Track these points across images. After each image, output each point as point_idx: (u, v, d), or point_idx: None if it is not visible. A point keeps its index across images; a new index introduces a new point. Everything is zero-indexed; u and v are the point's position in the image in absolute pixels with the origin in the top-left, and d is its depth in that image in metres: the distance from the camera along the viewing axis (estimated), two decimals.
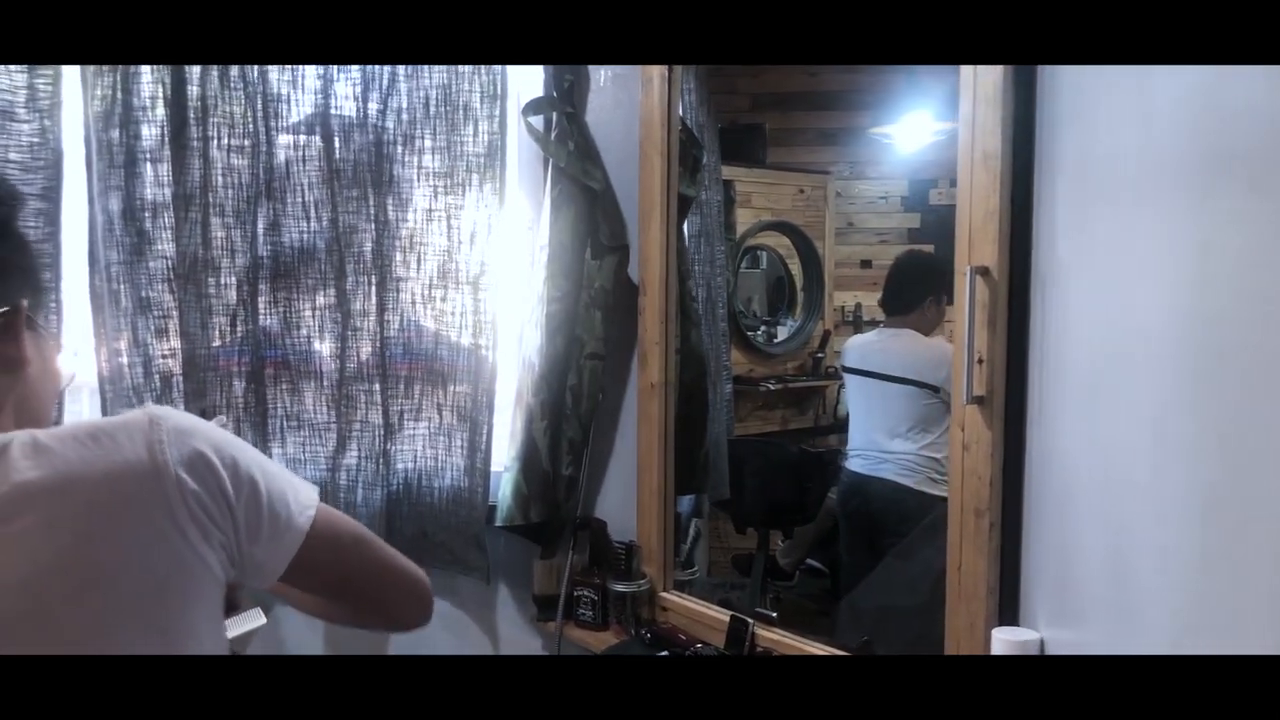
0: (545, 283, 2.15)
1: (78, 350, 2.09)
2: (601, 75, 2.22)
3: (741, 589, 2.89)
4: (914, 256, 3.04)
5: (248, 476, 0.93)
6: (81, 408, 2.27)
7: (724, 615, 1.98)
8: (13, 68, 2.18)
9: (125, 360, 2.18)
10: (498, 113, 2.17)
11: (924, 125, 3.33)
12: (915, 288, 2.63)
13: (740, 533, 2.98)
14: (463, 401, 2.22)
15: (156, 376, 2.18)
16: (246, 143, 2.18)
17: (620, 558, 2.13)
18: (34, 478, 0.84)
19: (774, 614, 1.96)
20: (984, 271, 1.51)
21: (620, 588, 2.12)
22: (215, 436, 0.92)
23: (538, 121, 2.19)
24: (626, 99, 2.18)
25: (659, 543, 2.14)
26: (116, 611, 0.86)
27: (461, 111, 2.17)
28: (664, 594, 2.14)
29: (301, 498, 0.98)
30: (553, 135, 2.17)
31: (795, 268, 3.74)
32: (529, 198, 2.30)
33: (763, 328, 3.60)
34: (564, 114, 2.15)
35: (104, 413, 2.19)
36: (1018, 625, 1.54)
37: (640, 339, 2.15)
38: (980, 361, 1.52)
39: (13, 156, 2.19)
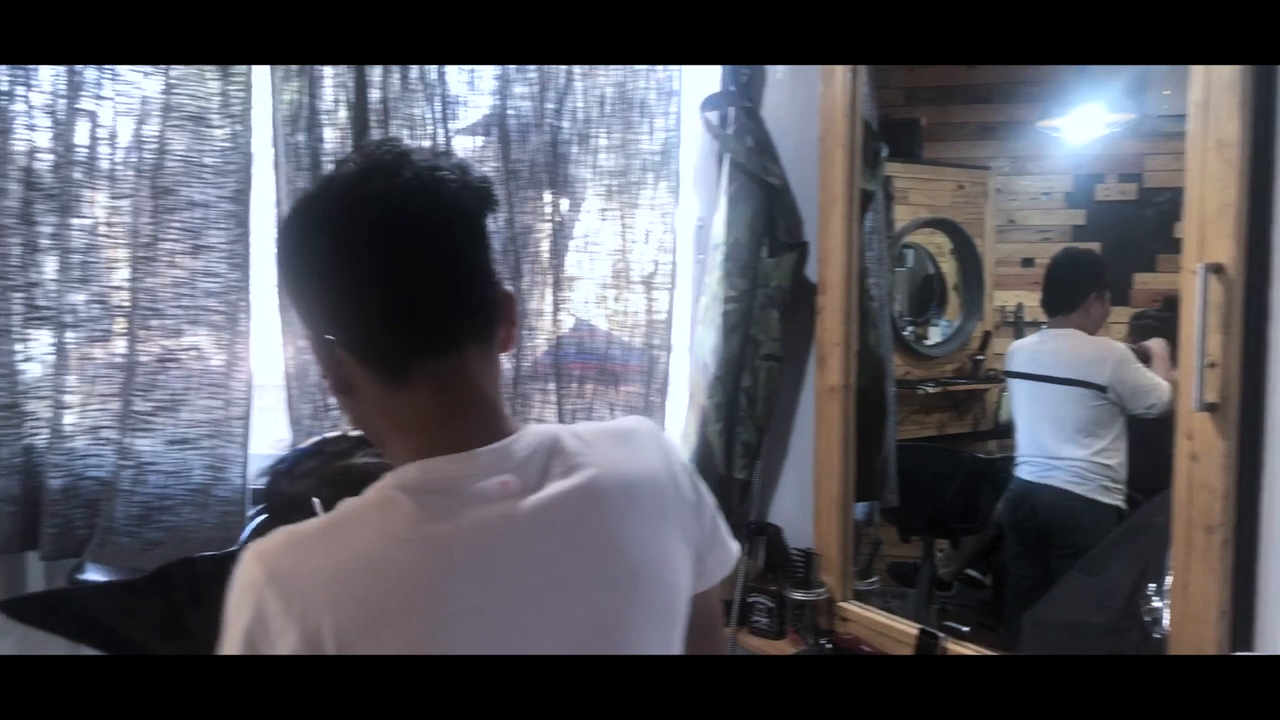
0: (720, 282, 2.12)
1: None
2: (779, 69, 2.17)
3: (901, 599, 2.80)
4: (1070, 254, 2.98)
5: (702, 488, 1.01)
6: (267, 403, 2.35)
7: (909, 627, 1.91)
8: (207, 75, 2.26)
9: (309, 357, 2.23)
10: (673, 110, 2.14)
11: (1095, 118, 3.17)
12: (1075, 286, 2.58)
13: (905, 541, 2.89)
14: (635, 401, 2.20)
15: None
16: (425, 144, 2.21)
17: (798, 565, 2.08)
18: (595, 473, 0.90)
19: (965, 628, 1.88)
20: (1218, 269, 1.41)
21: (799, 596, 2.06)
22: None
23: (714, 117, 2.15)
24: (804, 92, 2.13)
25: (838, 551, 2.08)
26: (649, 608, 0.91)
27: (637, 109, 2.15)
28: (843, 604, 2.08)
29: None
30: (730, 131, 2.13)
31: (946, 266, 3.62)
32: (703, 195, 2.26)
33: (910, 328, 3.50)
34: (742, 109, 2.11)
35: (289, 408, 2.26)
36: (1252, 651, 1.43)
37: (819, 340, 2.09)
38: (1212, 366, 1.42)
39: (207, 161, 2.28)
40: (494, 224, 0.97)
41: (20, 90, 2.32)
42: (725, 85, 2.13)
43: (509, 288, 0.95)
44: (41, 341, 2.36)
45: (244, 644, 0.81)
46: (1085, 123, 3.16)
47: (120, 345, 2.32)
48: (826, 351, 2.07)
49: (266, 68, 2.24)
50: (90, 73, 2.28)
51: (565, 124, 2.16)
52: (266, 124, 2.27)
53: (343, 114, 2.22)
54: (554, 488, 0.88)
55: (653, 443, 0.97)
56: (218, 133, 2.27)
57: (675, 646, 0.95)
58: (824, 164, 2.06)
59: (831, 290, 2.05)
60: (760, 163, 2.08)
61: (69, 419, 2.33)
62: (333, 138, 2.23)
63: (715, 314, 2.12)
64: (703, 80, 2.20)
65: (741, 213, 2.10)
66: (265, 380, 2.34)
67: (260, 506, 2.31)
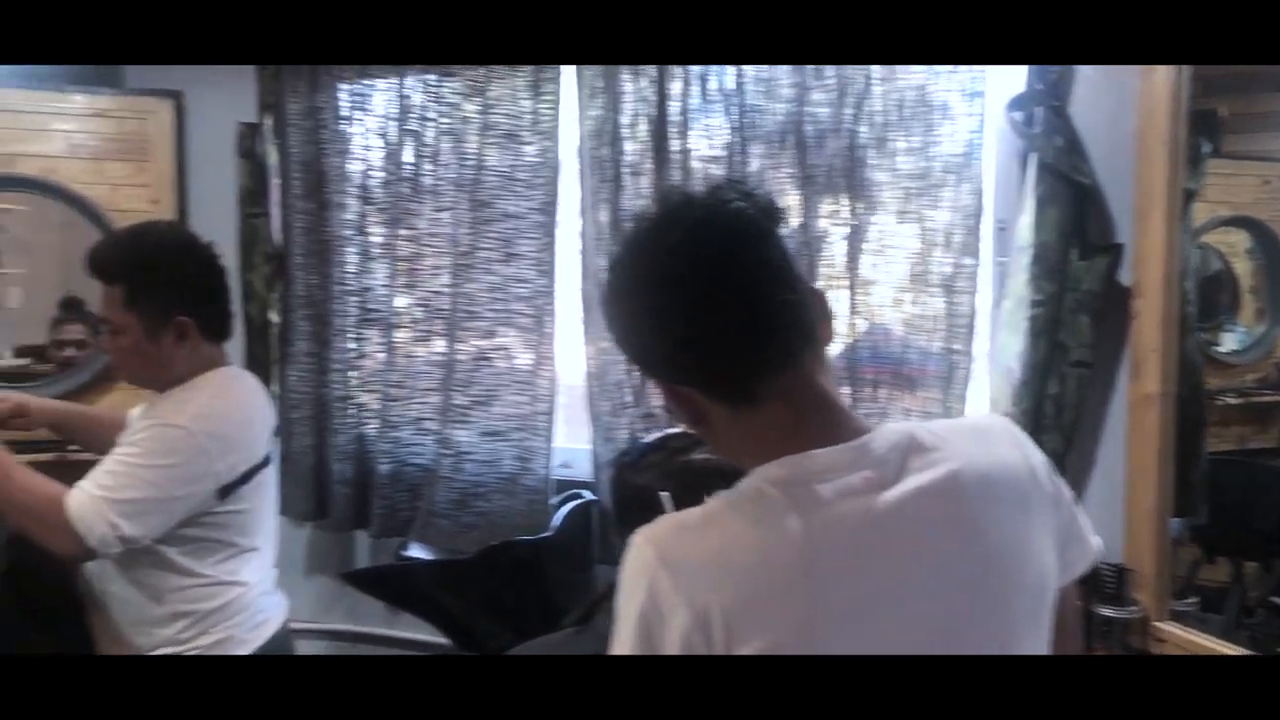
0: (1026, 285, 2.06)
1: None
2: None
3: (1203, 623, 2.62)
4: None
5: (1060, 482, 0.99)
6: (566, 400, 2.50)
7: (1242, 653, 1.79)
8: (520, 95, 2.43)
9: (609, 358, 2.35)
10: (976, 111, 2.11)
11: None
12: None
13: (1209, 562, 2.71)
14: (931, 406, 2.18)
15: (636, 374, 2.34)
16: (723, 153, 2.28)
17: (1109, 580, 1.99)
18: (955, 467, 0.91)
19: None
20: None
21: (1108, 612, 1.98)
22: None
23: (1020, 117, 2.10)
24: (1116, 88, 2.03)
25: (1154, 568, 1.98)
26: (1017, 599, 0.93)
27: (938, 111, 2.13)
28: (1159, 624, 1.97)
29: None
30: (1037, 130, 2.07)
31: (1240, 267, 3.35)
32: (1005, 197, 2.21)
33: (1201, 334, 3.25)
34: (1050, 108, 2.05)
35: (589, 405, 2.39)
36: None
37: (1134, 345, 2.00)
38: None
39: (519, 175, 2.44)
40: (786, 230, 0.99)
41: (358, 115, 2.58)
42: (1032, 84, 2.07)
43: (814, 284, 0.99)
44: (372, 340, 2.62)
45: (638, 625, 0.87)
46: None
47: (440, 345, 2.54)
48: (1142, 358, 1.97)
49: (574, 86, 2.38)
50: (417, 97, 2.50)
51: (863, 128, 2.17)
52: (573, 139, 2.41)
53: (643, 128, 2.33)
54: (913, 482, 0.90)
55: (1009, 437, 0.97)
56: (529, 148, 2.44)
57: (1044, 639, 0.95)
58: (1141, 162, 1.96)
59: (1149, 293, 1.95)
60: (1070, 162, 2.01)
61: (395, 410, 2.57)
62: (633, 150, 2.34)
63: (1020, 318, 2.06)
64: (1006, 80, 2.14)
65: (1050, 214, 2.03)
66: (568, 378, 2.50)
67: (564, 494, 2.47)
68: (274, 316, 2.66)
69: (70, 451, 2.23)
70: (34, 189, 2.66)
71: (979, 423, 1.01)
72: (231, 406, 1.74)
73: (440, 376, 2.53)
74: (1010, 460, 0.94)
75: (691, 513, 0.93)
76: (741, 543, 0.88)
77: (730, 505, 0.91)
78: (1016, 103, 2.09)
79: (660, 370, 0.96)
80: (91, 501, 1.56)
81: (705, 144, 2.30)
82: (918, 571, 0.89)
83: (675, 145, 2.30)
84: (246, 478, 1.71)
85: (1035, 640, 0.94)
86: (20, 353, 2.88)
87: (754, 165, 2.27)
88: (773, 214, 0.93)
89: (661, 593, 0.86)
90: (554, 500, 2.44)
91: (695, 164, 2.29)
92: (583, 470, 2.47)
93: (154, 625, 1.71)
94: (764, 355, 0.91)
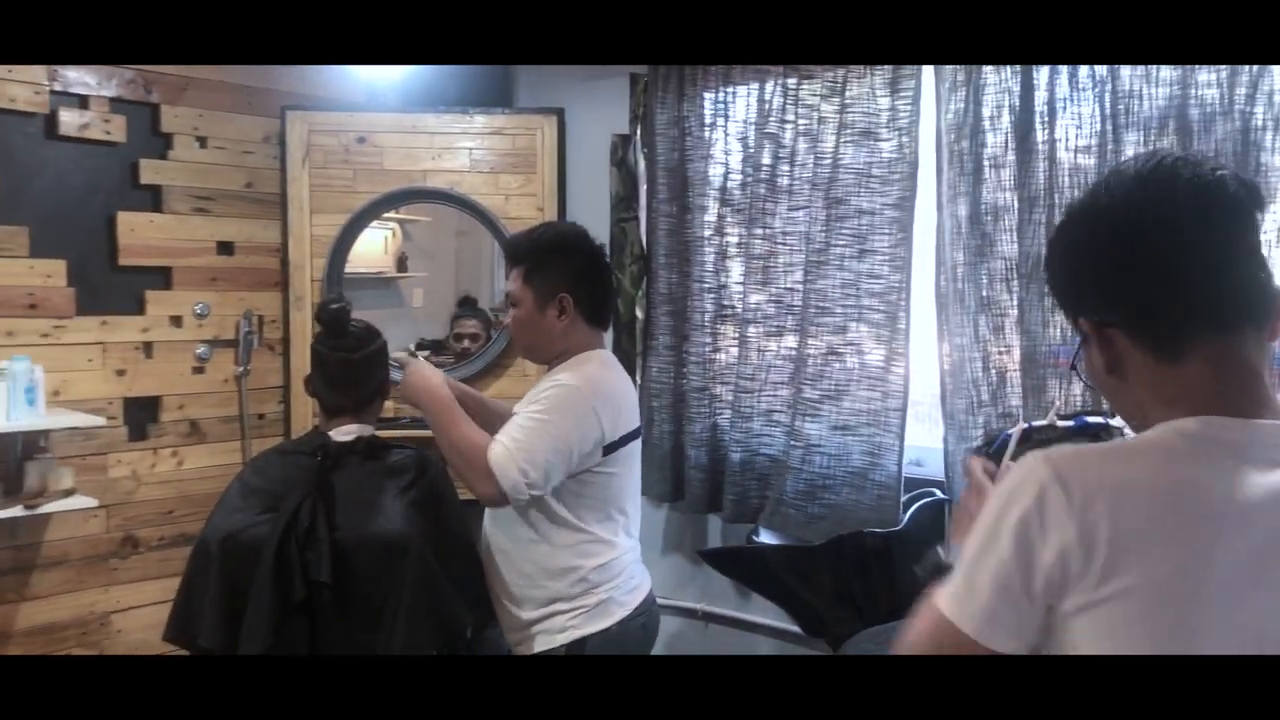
0: None
1: None
2: None
3: None
4: None
5: None
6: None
7: None
8: (878, 92, 2.45)
9: (965, 355, 2.32)
10: None
11: None
12: None
13: None
14: None
15: (993, 372, 2.29)
16: (1093, 142, 2.18)
17: None
18: None
19: None
20: None
21: None
22: None
23: None
24: None
25: None
26: None
27: None
28: None
29: None
30: None
31: None
32: None
33: None
34: None
35: (943, 402, 2.36)
36: None
37: None
38: None
39: (874, 171, 2.47)
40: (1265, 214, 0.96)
41: (720, 121, 2.73)
42: None
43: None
44: (727, 335, 2.76)
45: (1018, 528, 0.90)
46: None
47: (792, 340, 2.62)
48: None
49: (933, 82, 2.38)
50: (777, 100, 2.60)
51: (1259, 109, 1.99)
52: (931, 134, 2.41)
53: (1005, 119, 2.27)
54: None
55: None
56: (885, 145, 2.46)
57: None
58: None
59: None
60: None
61: (747, 402, 2.68)
62: (994, 143, 2.29)
63: None
64: None
65: None
66: (919, 375, 2.48)
67: (915, 492, 2.47)
68: (639, 313, 2.87)
69: None
70: (442, 200, 3.05)
71: None
72: (613, 376, 2.02)
73: (791, 371, 2.61)
74: None
75: (1094, 446, 0.99)
76: (1143, 478, 0.91)
77: (1136, 444, 0.96)
78: None
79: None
80: (505, 451, 1.84)
81: (1074, 133, 2.20)
82: None
83: (1040, 136, 2.23)
84: (624, 441, 1.96)
85: None
86: (422, 345, 3.31)
87: (1128, 154, 2.14)
88: (1256, 195, 0.95)
89: (1051, 506, 0.90)
90: (904, 497, 2.44)
91: (1062, 154, 2.21)
92: (934, 469, 2.45)
93: (549, 578, 1.95)
94: (1210, 313, 0.93)
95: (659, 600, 2.14)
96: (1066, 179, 2.20)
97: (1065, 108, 2.20)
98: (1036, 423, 1.44)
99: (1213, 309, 0.93)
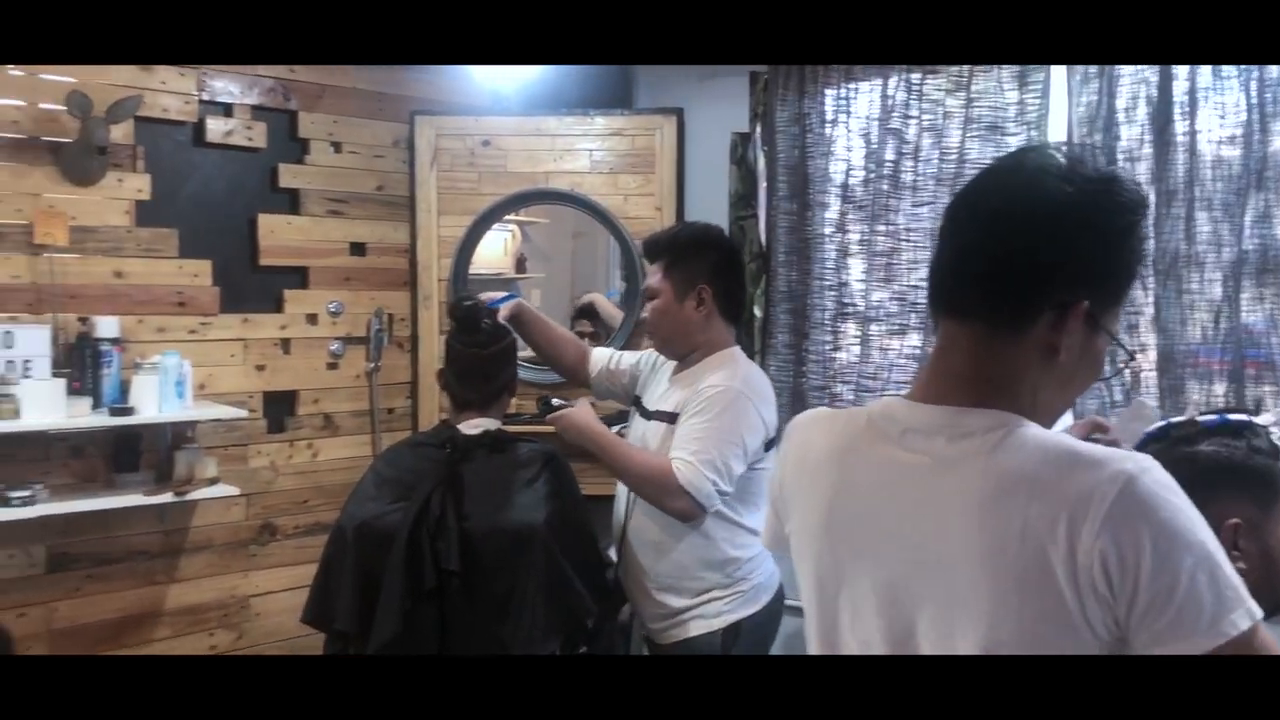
0: None
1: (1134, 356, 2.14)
2: None
3: None
4: None
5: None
6: None
7: None
8: (1005, 86, 2.40)
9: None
10: None
11: None
12: None
13: None
14: None
15: (1127, 371, 2.21)
16: (1239, 133, 2.09)
17: None
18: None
19: None
20: None
21: None
22: None
23: None
24: None
25: None
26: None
27: None
28: None
29: None
30: None
31: None
32: None
33: None
34: None
35: (1072, 404, 2.30)
36: None
37: None
38: None
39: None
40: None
41: (842, 117, 2.71)
42: None
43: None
44: (848, 333, 2.73)
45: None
46: None
47: (915, 338, 2.58)
48: None
49: (1063, 75, 2.31)
50: (900, 95, 2.57)
51: None
52: (1061, 127, 2.34)
53: (1142, 111, 2.20)
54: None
55: (1102, 481, 0.86)
56: (1013, 139, 2.40)
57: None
58: None
59: None
60: None
61: (869, 401, 2.65)
62: (1130, 135, 2.22)
63: None
64: None
65: None
66: None
67: None
68: (757, 311, 2.87)
69: None
70: (564, 201, 3.11)
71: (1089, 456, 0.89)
72: (758, 373, 2.14)
73: (914, 370, 2.58)
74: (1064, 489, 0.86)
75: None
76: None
77: None
78: None
79: (1114, 286, 0.97)
80: (689, 467, 1.93)
81: (1217, 124, 2.11)
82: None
83: (1180, 128, 2.14)
84: (778, 436, 2.06)
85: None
86: None
87: (1277, 145, 2.05)
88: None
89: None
90: None
91: (1204, 146, 2.12)
92: None
93: (707, 569, 2.05)
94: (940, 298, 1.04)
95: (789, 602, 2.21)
96: (1209, 172, 2.11)
97: (1207, 98, 2.12)
98: (1175, 419, 1.40)
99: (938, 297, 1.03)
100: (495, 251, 3.31)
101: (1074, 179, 0.94)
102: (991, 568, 0.88)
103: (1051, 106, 2.36)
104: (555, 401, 2.15)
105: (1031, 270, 0.93)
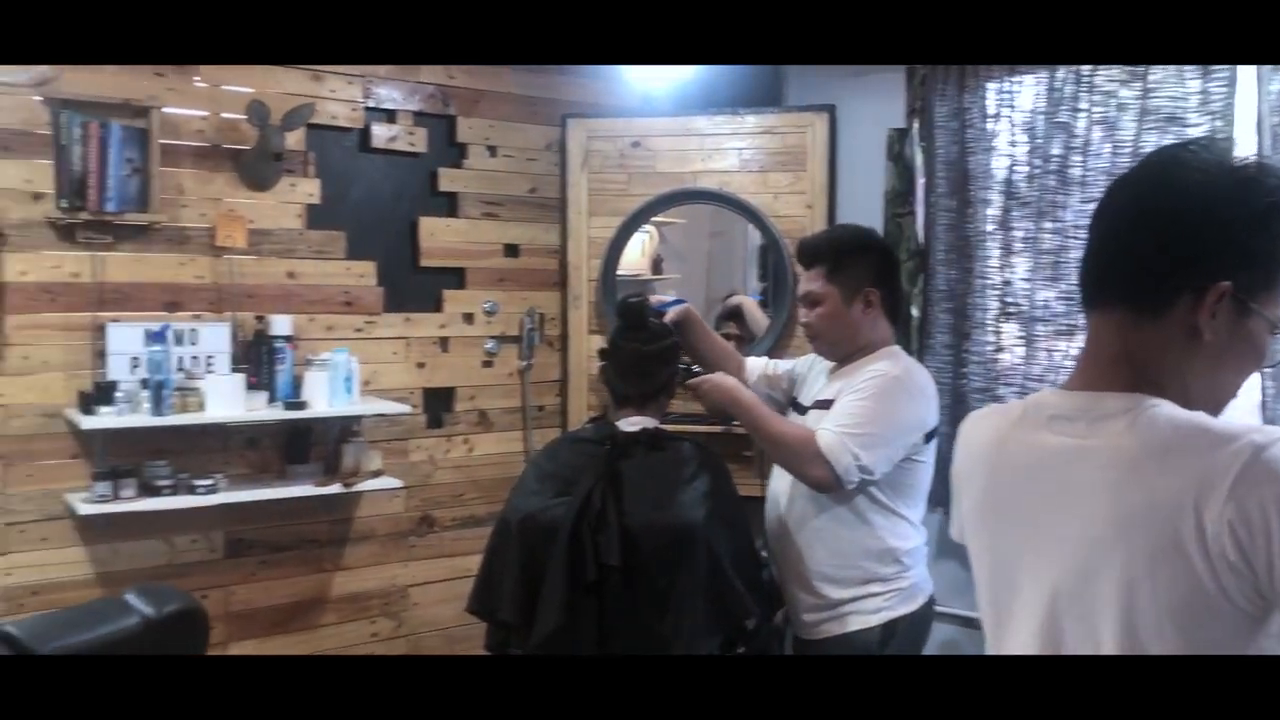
0: None
1: None
2: None
3: None
4: None
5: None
6: None
7: None
8: (1187, 75, 2.28)
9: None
10: None
11: None
12: None
13: None
14: None
15: None
16: None
17: None
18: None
19: None
20: None
21: None
22: None
23: None
24: None
25: None
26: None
27: None
28: None
29: None
30: None
31: None
32: None
33: None
34: None
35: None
36: None
37: None
38: None
39: None
40: None
41: (1005, 111, 2.63)
42: None
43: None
44: (1011, 334, 2.65)
45: None
46: None
47: (1082, 340, 2.47)
48: None
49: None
50: (1069, 88, 2.47)
51: None
52: (1249, 116, 2.21)
53: None
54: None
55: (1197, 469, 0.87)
56: (1194, 130, 2.28)
57: None
58: None
59: None
60: None
61: None
62: None
63: None
64: None
65: None
66: None
67: None
68: (914, 310, 2.81)
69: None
70: (714, 200, 3.10)
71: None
72: (920, 367, 2.14)
73: None
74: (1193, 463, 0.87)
75: None
76: None
77: None
78: None
79: (1263, 269, 0.95)
80: (835, 437, 1.92)
81: None
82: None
83: None
84: (936, 430, 2.06)
85: None
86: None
87: None
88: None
89: None
90: None
91: None
92: None
93: (868, 559, 2.04)
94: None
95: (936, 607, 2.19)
96: None
97: None
98: None
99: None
100: (634, 253, 3.32)
101: (1208, 166, 0.96)
102: (1125, 544, 0.90)
103: (1239, 96, 2.24)
104: (696, 368, 2.20)
105: (1162, 252, 0.95)
